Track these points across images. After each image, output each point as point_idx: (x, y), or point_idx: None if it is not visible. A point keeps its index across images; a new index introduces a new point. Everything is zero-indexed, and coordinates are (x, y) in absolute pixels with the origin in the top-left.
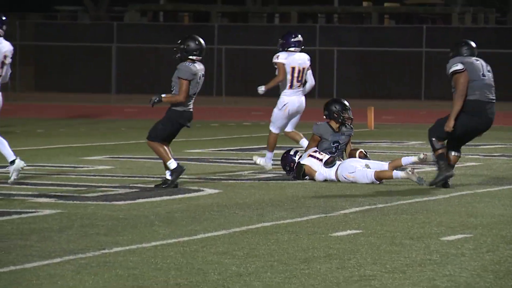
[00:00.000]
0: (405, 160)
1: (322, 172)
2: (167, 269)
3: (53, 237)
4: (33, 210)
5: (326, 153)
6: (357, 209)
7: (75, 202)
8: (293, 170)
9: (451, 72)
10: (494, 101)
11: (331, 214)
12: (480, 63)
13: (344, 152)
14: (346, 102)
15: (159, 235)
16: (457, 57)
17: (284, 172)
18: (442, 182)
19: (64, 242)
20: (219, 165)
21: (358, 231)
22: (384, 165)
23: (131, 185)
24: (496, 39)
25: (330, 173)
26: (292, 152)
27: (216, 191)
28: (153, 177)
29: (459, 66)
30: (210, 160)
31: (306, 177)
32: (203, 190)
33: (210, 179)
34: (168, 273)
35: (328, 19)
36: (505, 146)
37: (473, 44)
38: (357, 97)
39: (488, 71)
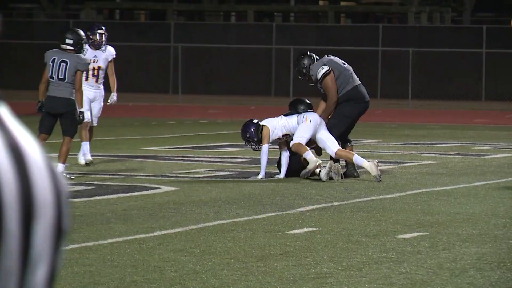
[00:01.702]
0: (356, 159)
1: (280, 124)
2: (124, 266)
3: None
4: None
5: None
6: (314, 206)
7: None
8: (252, 136)
9: (321, 76)
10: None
11: (288, 212)
12: (334, 57)
13: None
14: (308, 102)
15: (115, 232)
16: (316, 63)
17: (240, 170)
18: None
19: None
20: (176, 162)
21: (314, 229)
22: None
23: (87, 182)
24: (451, 39)
25: (289, 120)
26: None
27: (173, 188)
28: (109, 174)
29: (326, 68)
30: (167, 157)
31: (259, 145)
32: (160, 188)
33: (167, 177)
34: (124, 270)
35: (284, 17)
36: (461, 144)
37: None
38: (314, 95)
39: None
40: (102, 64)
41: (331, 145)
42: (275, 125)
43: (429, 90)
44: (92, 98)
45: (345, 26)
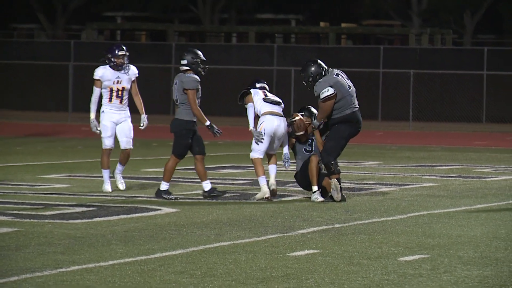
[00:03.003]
0: (272, 169)
1: (256, 104)
2: None
3: (10, 255)
4: None
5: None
6: (315, 229)
7: (32, 220)
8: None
9: (324, 98)
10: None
11: (289, 234)
12: (341, 77)
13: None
14: (314, 110)
15: (116, 254)
16: (323, 80)
17: (242, 192)
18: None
19: (21, 260)
20: (177, 184)
21: (315, 251)
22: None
23: (88, 203)
24: (452, 61)
25: (260, 104)
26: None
27: (174, 210)
28: (110, 196)
29: (331, 91)
30: None
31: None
32: (160, 209)
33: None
34: None
35: (285, 39)
36: (462, 167)
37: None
38: None
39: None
40: (126, 84)
41: (255, 148)
42: (256, 101)
43: (430, 112)
44: (116, 121)
45: (346, 47)
